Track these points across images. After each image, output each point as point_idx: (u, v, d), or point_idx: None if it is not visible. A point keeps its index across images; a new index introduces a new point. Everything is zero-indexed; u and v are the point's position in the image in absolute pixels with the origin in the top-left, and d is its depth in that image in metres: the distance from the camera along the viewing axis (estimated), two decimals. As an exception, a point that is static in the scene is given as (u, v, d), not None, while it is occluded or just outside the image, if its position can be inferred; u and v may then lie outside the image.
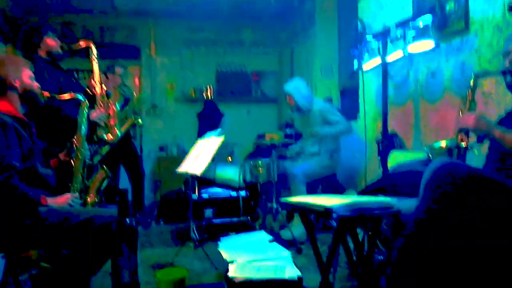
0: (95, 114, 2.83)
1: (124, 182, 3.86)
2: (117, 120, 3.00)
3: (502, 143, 1.60)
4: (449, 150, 1.78)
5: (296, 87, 3.48)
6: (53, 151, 2.30)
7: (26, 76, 1.94)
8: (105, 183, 2.36)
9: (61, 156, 2.17)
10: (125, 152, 3.80)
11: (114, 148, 3.25)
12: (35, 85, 1.98)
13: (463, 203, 1.43)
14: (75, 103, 2.29)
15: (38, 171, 1.91)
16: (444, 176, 1.45)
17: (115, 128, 2.91)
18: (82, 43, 2.90)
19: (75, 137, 2.14)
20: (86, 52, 2.97)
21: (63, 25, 5.43)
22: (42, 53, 2.84)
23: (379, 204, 1.69)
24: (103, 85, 2.94)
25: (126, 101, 3.76)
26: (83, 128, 2.16)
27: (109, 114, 2.93)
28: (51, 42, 2.85)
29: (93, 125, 2.85)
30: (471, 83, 1.77)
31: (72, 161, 2.12)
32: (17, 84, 1.90)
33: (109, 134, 2.89)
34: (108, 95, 2.99)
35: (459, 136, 1.72)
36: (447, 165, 1.47)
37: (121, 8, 5.48)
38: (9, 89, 1.89)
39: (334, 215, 1.57)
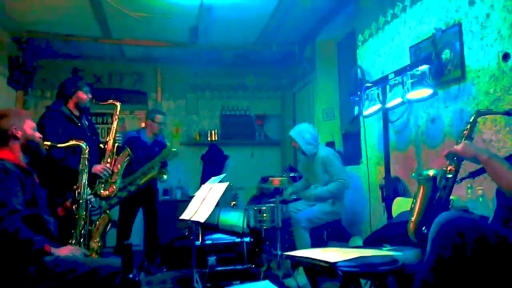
0: (99, 168, 2.89)
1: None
2: (119, 177, 3.04)
3: (487, 171, 1.58)
4: (434, 180, 1.76)
5: (300, 133, 3.54)
6: (58, 201, 2.33)
7: (28, 127, 2.02)
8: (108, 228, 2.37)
9: (67, 204, 2.19)
10: (147, 196, 3.84)
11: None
12: (37, 135, 2.05)
13: (469, 258, 1.42)
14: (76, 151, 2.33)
15: (42, 216, 1.93)
16: (451, 232, 1.45)
17: (114, 186, 2.96)
18: (110, 102, 3.13)
19: (77, 184, 2.18)
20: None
21: (73, 70, 5.63)
22: (70, 104, 3.01)
23: (384, 259, 1.67)
24: (116, 144, 3.04)
25: (160, 149, 3.87)
26: (85, 176, 2.20)
27: (113, 170, 2.98)
28: (83, 96, 3.03)
29: (93, 178, 2.89)
30: (471, 119, 1.77)
31: (74, 208, 2.14)
32: (19, 134, 1.96)
33: (106, 191, 2.93)
34: (118, 152, 3.07)
35: (448, 167, 1.72)
36: (453, 220, 1.48)
37: (130, 55, 5.71)
38: (12, 139, 1.96)
39: (339, 270, 1.56)
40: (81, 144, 2.26)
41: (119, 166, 3.02)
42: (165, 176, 3.75)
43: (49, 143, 2.13)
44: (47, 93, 5.57)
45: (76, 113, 3.02)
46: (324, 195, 3.39)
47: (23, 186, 1.86)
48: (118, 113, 3.11)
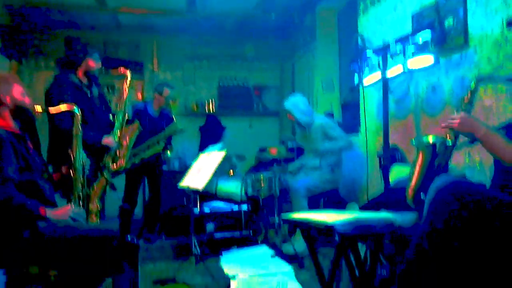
0: (108, 140, 2.84)
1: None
2: (128, 150, 2.99)
3: (484, 146, 1.58)
4: (434, 147, 1.76)
5: (294, 104, 3.52)
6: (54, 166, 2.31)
7: (17, 92, 1.96)
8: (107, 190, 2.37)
9: (63, 169, 2.18)
10: (152, 166, 3.82)
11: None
12: (27, 100, 2.00)
13: (467, 222, 1.43)
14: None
15: (37, 183, 1.91)
16: (448, 196, 1.45)
17: (122, 160, 2.91)
18: (121, 70, 2.98)
19: (71, 148, 2.15)
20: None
21: (66, 40, 5.51)
22: (79, 72, 2.90)
23: (381, 220, 1.69)
24: (126, 115, 2.96)
25: (167, 122, 3.81)
26: (79, 140, 2.17)
27: (122, 143, 2.93)
28: (92, 64, 2.92)
29: (102, 150, 2.85)
30: (472, 85, 1.74)
31: (71, 172, 2.13)
32: (7, 100, 1.92)
33: (115, 164, 2.88)
34: (128, 124, 3.00)
35: (447, 134, 1.72)
36: (450, 184, 1.48)
37: (125, 23, 5.56)
38: (0, 105, 1.91)
39: (336, 233, 1.57)
40: (73, 109, 2.20)
41: (127, 139, 2.96)
42: (169, 153, 3.71)
43: (40, 108, 2.08)
44: (41, 63, 5.46)
45: (85, 81, 2.92)
46: (333, 149, 3.42)
47: (16, 153, 1.84)
48: (128, 83, 3.01)
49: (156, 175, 3.93)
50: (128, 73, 3.00)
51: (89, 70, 2.92)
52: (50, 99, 2.79)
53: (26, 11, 4.79)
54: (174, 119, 3.93)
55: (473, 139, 1.81)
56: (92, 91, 2.96)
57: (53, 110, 2.17)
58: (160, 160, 3.98)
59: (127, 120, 3.02)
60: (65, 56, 2.95)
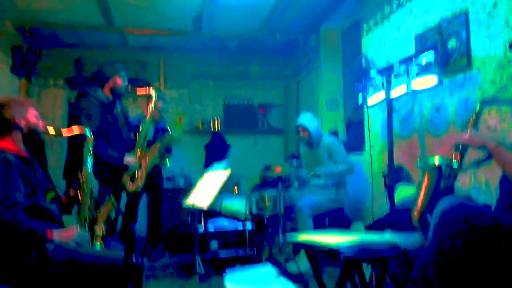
0: (129, 159, 2.84)
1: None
2: (146, 172, 2.99)
3: (495, 159, 1.58)
4: (439, 168, 1.77)
5: (309, 120, 3.56)
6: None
7: (32, 116, 1.98)
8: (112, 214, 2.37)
9: (71, 192, 2.20)
10: (152, 182, 3.84)
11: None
12: (41, 124, 2.02)
13: (472, 245, 1.42)
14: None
15: (42, 206, 1.92)
16: (453, 217, 1.45)
17: (140, 181, 2.91)
18: (147, 90, 3.03)
19: (81, 171, 2.17)
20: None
21: (76, 59, 5.62)
22: (106, 89, 2.93)
23: (386, 243, 1.68)
24: (147, 136, 2.99)
25: (159, 133, 3.81)
26: (89, 162, 2.18)
27: (141, 164, 2.93)
28: (119, 81, 2.95)
29: (121, 169, 2.85)
30: (477, 108, 1.77)
31: (79, 195, 2.14)
32: (22, 124, 1.93)
33: (132, 185, 2.88)
34: (149, 146, 3.02)
35: (453, 155, 1.72)
36: (455, 206, 1.48)
37: (133, 43, 5.68)
38: (14, 128, 1.92)
39: (341, 256, 1.57)
40: (84, 132, 2.23)
41: (147, 160, 2.96)
42: (168, 163, 3.73)
43: (53, 132, 2.09)
44: (51, 81, 5.56)
45: (110, 98, 2.94)
46: (333, 173, 3.42)
47: (23, 178, 1.84)
48: (153, 102, 3.01)
49: (156, 192, 3.90)
50: (153, 94, 3.01)
51: (115, 88, 2.94)
52: (76, 115, 2.80)
53: (37, 31, 4.91)
54: (170, 130, 3.93)
55: (478, 163, 1.81)
56: (116, 108, 2.98)
57: (65, 132, 2.17)
58: (160, 175, 3.97)
59: (148, 141, 3.03)
60: (94, 73, 2.97)
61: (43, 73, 5.51)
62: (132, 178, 2.88)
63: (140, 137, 2.93)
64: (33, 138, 2.00)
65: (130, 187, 2.87)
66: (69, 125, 2.60)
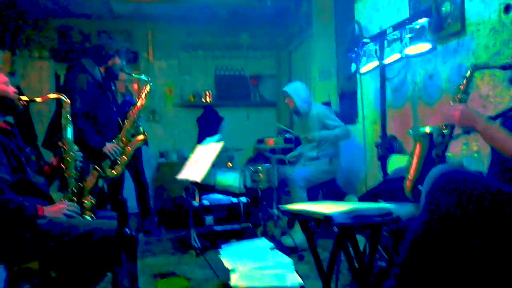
0: (110, 147, 2.80)
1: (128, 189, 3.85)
2: (127, 159, 2.93)
3: (485, 139, 1.57)
4: (431, 136, 1.76)
5: (295, 90, 3.50)
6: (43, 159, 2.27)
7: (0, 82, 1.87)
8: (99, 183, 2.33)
9: (53, 161, 2.14)
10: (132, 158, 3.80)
11: None
12: (11, 90, 1.90)
13: (464, 211, 1.43)
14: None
15: (31, 181, 1.88)
16: (444, 185, 1.45)
17: (120, 167, 2.86)
18: (143, 76, 2.98)
19: (62, 140, 2.08)
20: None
21: (60, 29, 5.43)
22: (102, 68, 2.85)
23: (379, 211, 1.69)
24: (135, 123, 2.91)
25: (126, 107, 3.75)
26: (69, 130, 2.09)
27: (124, 151, 2.88)
28: (118, 62, 2.88)
29: (102, 156, 2.80)
30: (468, 73, 1.73)
31: (63, 165, 2.06)
32: None
33: (114, 171, 2.84)
34: (133, 135, 2.94)
35: (444, 124, 1.72)
36: (447, 173, 1.47)
37: (119, 12, 5.46)
38: None
39: (335, 223, 1.57)
40: (61, 97, 2.11)
41: (130, 148, 2.90)
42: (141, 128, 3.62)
43: (26, 98, 1.99)
44: (35, 53, 5.39)
45: (105, 78, 2.87)
46: (329, 137, 3.41)
47: (6, 151, 1.78)
48: (147, 91, 2.93)
49: (136, 167, 3.84)
50: (149, 81, 2.93)
51: (113, 68, 2.88)
52: (70, 86, 2.72)
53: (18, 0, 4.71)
54: (138, 102, 3.83)
55: (469, 131, 1.80)
56: (110, 89, 2.91)
57: (39, 99, 2.07)
58: (137, 151, 3.89)
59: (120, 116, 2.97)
60: (93, 49, 2.85)
61: (27, 45, 5.33)
62: (112, 165, 2.83)
63: (128, 123, 2.87)
64: (7, 107, 1.88)
65: (110, 173, 2.82)
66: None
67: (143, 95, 2.93)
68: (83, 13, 5.39)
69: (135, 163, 3.83)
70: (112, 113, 2.92)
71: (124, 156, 2.85)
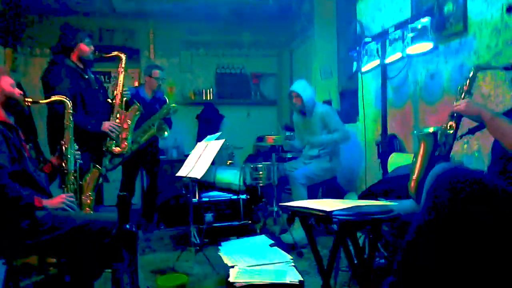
0: (107, 125, 2.83)
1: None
2: (130, 133, 2.99)
3: (490, 130, 1.57)
4: (435, 136, 1.76)
5: (304, 87, 3.49)
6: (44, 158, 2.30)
7: (6, 84, 1.95)
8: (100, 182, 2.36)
9: (53, 160, 2.18)
10: (148, 155, 3.81)
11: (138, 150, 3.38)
12: (17, 92, 1.98)
13: (464, 210, 1.43)
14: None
15: (30, 173, 1.91)
16: (446, 182, 1.45)
17: (125, 142, 2.91)
18: (115, 53, 3.01)
19: (63, 139, 2.15)
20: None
21: (61, 26, 5.42)
22: (73, 57, 2.88)
23: (379, 208, 1.69)
24: (124, 98, 2.97)
25: (160, 105, 3.78)
26: (70, 130, 2.17)
27: (123, 126, 2.92)
28: (85, 48, 2.89)
29: (103, 135, 2.85)
30: (470, 74, 1.74)
31: (63, 163, 2.12)
32: None
33: (118, 147, 2.88)
34: (127, 107, 2.99)
35: (448, 124, 1.71)
36: (449, 171, 1.48)
37: (120, 10, 5.47)
38: None
39: (335, 220, 1.57)
40: (64, 99, 2.20)
41: (129, 121, 2.95)
42: (166, 133, 3.69)
43: (30, 99, 2.06)
44: (37, 50, 5.39)
45: (81, 66, 2.90)
46: (328, 141, 3.41)
47: (8, 143, 1.82)
48: (123, 65, 3.00)
49: (152, 163, 3.91)
50: (123, 56, 3.01)
51: (83, 55, 2.90)
52: (47, 83, 2.77)
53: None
54: (168, 100, 3.89)
55: (473, 130, 1.80)
56: (88, 76, 2.94)
57: (44, 101, 2.16)
58: (156, 147, 3.95)
59: (127, 102, 3.02)
60: (58, 41, 2.90)
61: (29, 42, 5.34)
62: (117, 141, 2.88)
63: (117, 100, 2.92)
64: (13, 107, 1.96)
65: (117, 150, 2.87)
66: (45, 97, 2.57)
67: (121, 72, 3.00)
68: (85, 11, 5.39)
69: (153, 160, 3.87)
70: (98, 96, 2.96)
71: (125, 132, 2.92)
